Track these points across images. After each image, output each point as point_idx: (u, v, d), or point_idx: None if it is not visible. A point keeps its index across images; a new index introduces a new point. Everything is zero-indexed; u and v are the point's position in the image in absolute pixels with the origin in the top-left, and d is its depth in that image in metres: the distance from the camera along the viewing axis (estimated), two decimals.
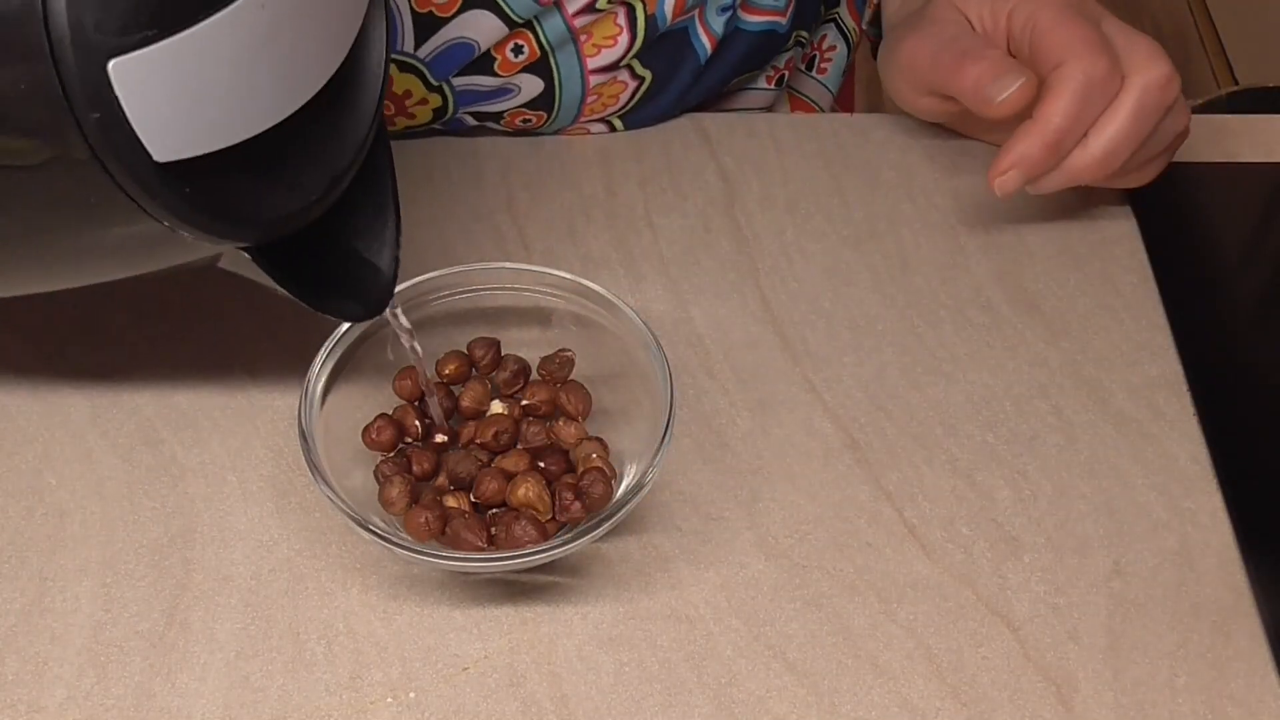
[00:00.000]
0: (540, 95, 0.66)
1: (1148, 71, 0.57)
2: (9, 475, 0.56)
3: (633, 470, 0.52)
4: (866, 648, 0.51)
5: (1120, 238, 0.65)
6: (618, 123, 0.69)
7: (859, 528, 0.54)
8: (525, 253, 0.63)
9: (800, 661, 0.51)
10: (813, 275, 0.63)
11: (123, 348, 0.60)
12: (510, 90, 0.66)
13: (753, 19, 0.69)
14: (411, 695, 0.50)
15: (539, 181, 0.67)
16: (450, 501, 0.51)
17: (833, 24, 0.78)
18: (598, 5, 0.64)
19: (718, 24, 0.68)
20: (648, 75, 0.68)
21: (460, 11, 0.62)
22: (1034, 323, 0.61)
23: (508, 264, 0.57)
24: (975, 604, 0.52)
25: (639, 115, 0.69)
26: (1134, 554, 0.53)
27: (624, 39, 0.65)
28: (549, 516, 0.50)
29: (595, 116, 0.69)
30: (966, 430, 0.57)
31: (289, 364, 0.59)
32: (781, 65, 0.75)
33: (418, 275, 0.56)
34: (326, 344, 0.53)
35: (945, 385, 0.59)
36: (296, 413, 0.51)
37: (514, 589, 0.52)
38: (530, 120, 0.67)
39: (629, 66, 0.67)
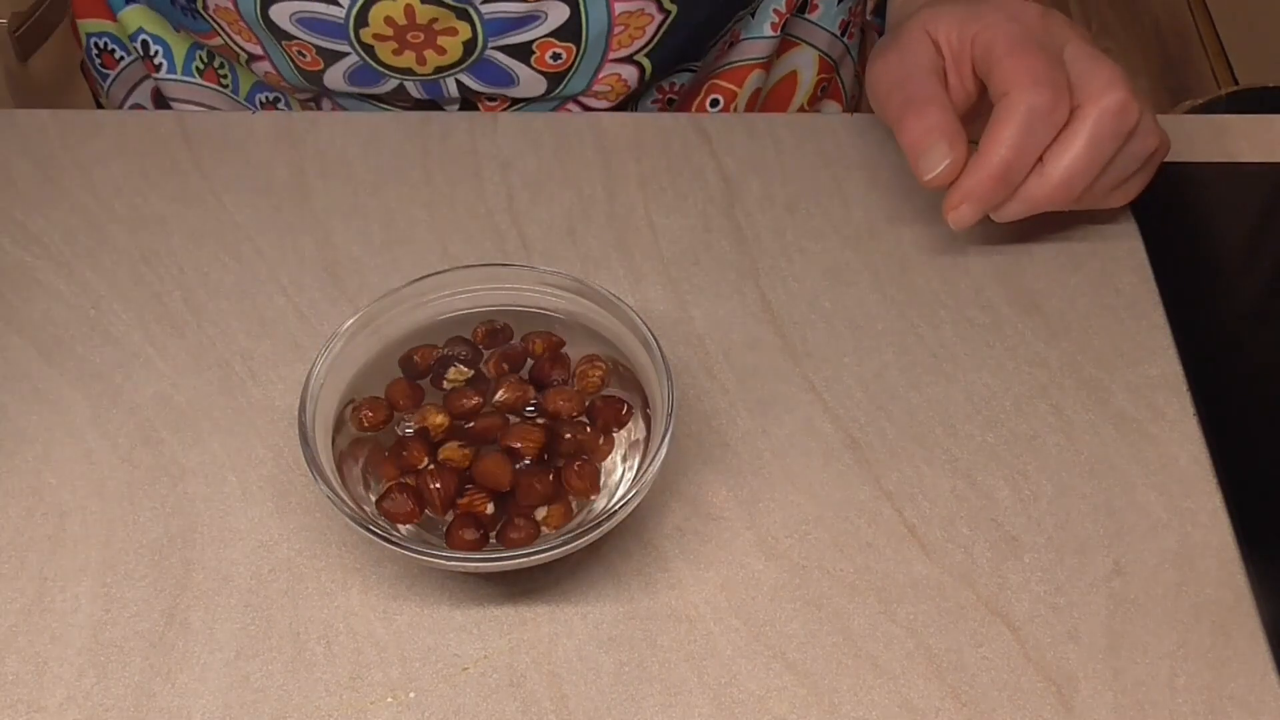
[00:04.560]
0: (566, 24, 0.67)
1: (1103, 98, 0.57)
2: (9, 475, 0.56)
3: (632, 470, 0.52)
4: (866, 648, 0.51)
5: (1120, 238, 0.65)
6: (646, 63, 0.70)
7: (859, 528, 0.54)
8: (525, 253, 0.64)
9: (800, 661, 0.51)
10: (813, 275, 0.63)
11: (123, 348, 0.60)
12: (537, 17, 0.66)
13: None
14: (411, 695, 0.50)
15: (539, 181, 0.67)
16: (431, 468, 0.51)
17: None
18: None
19: None
20: (674, 9, 0.69)
21: None
22: (1034, 323, 0.61)
23: (508, 264, 0.58)
24: (975, 604, 0.52)
25: (664, 54, 0.70)
26: (1134, 554, 0.53)
27: None
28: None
29: (623, 53, 0.69)
30: (966, 430, 0.57)
31: (289, 364, 0.59)
32: (783, 9, 0.76)
33: (418, 275, 0.56)
34: (327, 344, 0.53)
35: (945, 385, 0.59)
36: (296, 413, 0.51)
37: (514, 589, 0.52)
38: (560, 56, 0.68)
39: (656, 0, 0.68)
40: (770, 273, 0.63)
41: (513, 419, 0.53)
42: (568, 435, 0.52)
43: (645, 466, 0.51)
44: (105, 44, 0.77)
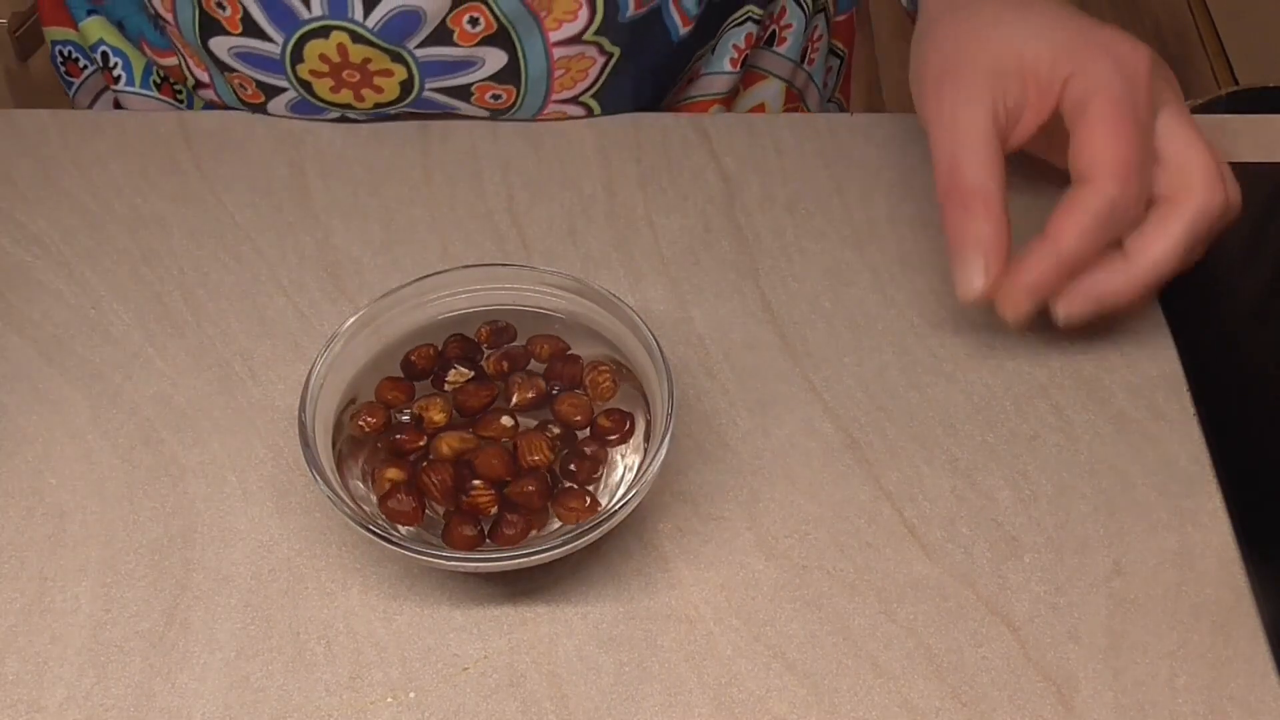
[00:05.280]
0: (505, 68, 0.66)
1: (1203, 197, 0.53)
2: (9, 475, 0.56)
3: (632, 470, 0.52)
4: (866, 648, 0.51)
5: None
6: (594, 104, 0.69)
7: (859, 528, 0.54)
8: (525, 253, 0.63)
9: (800, 661, 0.51)
10: (813, 275, 0.63)
11: (123, 348, 0.60)
12: (474, 63, 0.66)
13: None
14: (411, 695, 0.50)
15: (539, 181, 0.67)
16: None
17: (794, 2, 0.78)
18: None
19: (691, 4, 0.68)
20: (616, 51, 0.68)
21: None
22: (1034, 322, 0.61)
23: (508, 264, 0.58)
24: (975, 604, 0.52)
25: (612, 95, 0.69)
26: (1134, 554, 0.53)
27: (584, 14, 0.65)
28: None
29: (566, 95, 0.68)
30: (966, 430, 0.57)
31: (289, 364, 0.59)
32: (742, 44, 0.75)
33: (418, 275, 0.56)
34: (327, 344, 0.53)
35: (945, 385, 0.59)
36: (296, 413, 0.51)
37: (514, 589, 0.52)
38: (500, 96, 0.67)
39: (595, 43, 0.67)
40: (770, 273, 0.63)
41: (522, 420, 0.53)
42: (573, 466, 0.52)
43: (645, 466, 0.51)
44: (69, 52, 0.77)
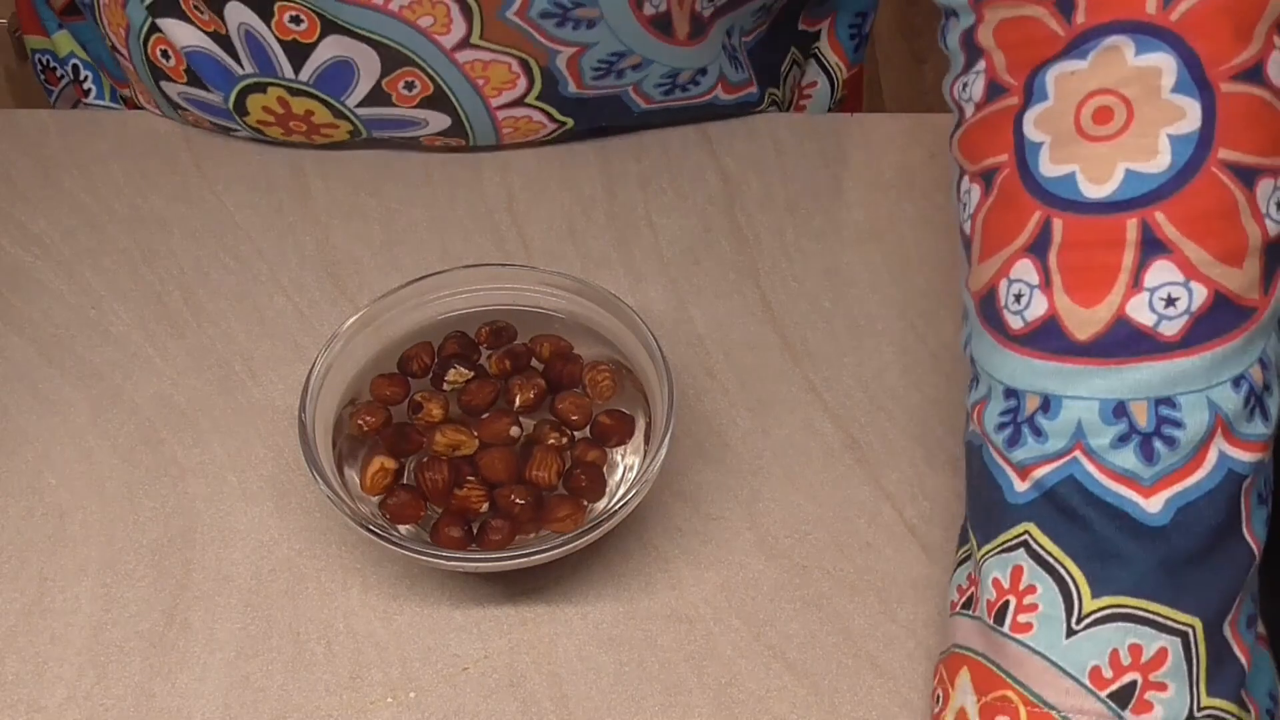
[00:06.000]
0: (450, 127, 0.65)
1: None
2: (9, 475, 0.56)
3: (633, 470, 0.52)
4: (866, 648, 0.51)
5: None
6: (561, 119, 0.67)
7: (859, 528, 0.54)
8: (525, 253, 0.63)
9: (800, 661, 0.51)
10: (813, 275, 0.63)
11: (123, 348, 0.60)
12: (417, 123, 0.65)
13: (728, 96, 0.68)
14: (411, 695, 0.50)
15: (539, 181, 0.67)
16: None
17: (813, 60, 0.75)
18: (473, 41, 0.61)
19: (655, 92, 0.66)
20: (569, 122, 0.66)
21: (321, 38, 0.61)
22: None
23: (508, 264, 0.58)
24: None
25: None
26: None
27: (522, 83, 0.63)
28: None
29: (521, 140, 0.67)
30: None
31: (289, 364, 0.59)
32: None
33: (418, 275, 0.56)
34: (327, 344, 0.53)
35: (945, 385, 0.59)
36: (296, 413, 0.51)
37: (514, 589, 0.52)
38: (451, 143, 0.66)
39: (541, 109, 0.65)
40: (770, 273, 0.63)
41: (525, 420, 0.53)
42: (582, 478, 0.52)
43: (645, 466, 0.51)
44: (48, 60, 0.77)
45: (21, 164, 0.67)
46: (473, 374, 0.54)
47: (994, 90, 0.47)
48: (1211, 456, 0.43)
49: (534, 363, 0.55)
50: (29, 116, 0.70)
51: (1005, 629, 0.44)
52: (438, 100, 0.63)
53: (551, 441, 0.52)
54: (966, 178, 0.48)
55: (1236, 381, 0.43)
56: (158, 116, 0.70)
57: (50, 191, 0.66)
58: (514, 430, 0.52)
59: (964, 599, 0.47)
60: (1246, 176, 0.43)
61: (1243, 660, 0.44)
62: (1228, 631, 0.44)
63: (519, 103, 0.64)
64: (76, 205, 0.65)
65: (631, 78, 0.64)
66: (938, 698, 0.47)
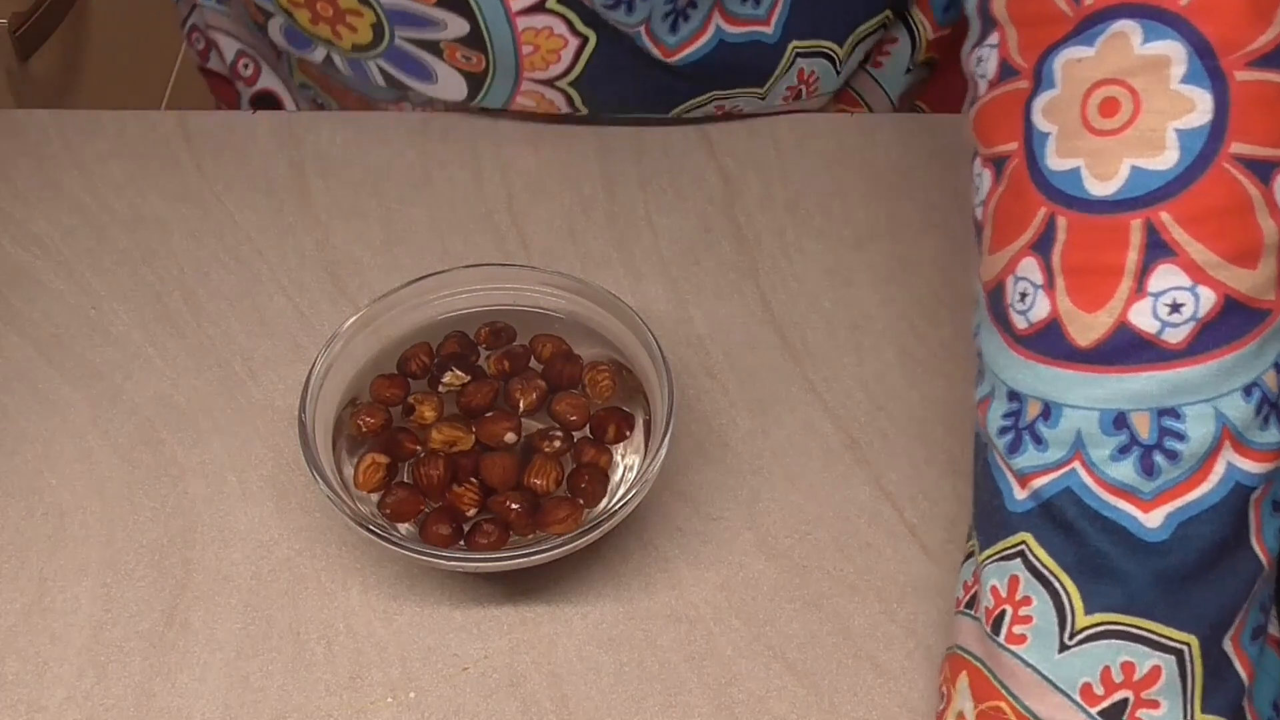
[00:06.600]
0: (469, 34, 0.63)
1: None
2: (9, 475, 0.56)
3: (632, 470, 0.52)
4: (866, 648, 0.51)
5: None
6: (573, 94, 0.66)
7: (859, 528, 0.54)
8: (525, 253, 0.63)
9: (800, 661, 0.51)
10: (813, 275, 0.63)
11: (123, 348, 0.60)
12: (436, 23, 0.63)
13: (734, 29, 0.65)
14: (411, 695, 0.50)
15: (539, 181, 0.67)
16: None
17: (900, 20, 0.71)
18: None
19: (665, 33, 0.64)
20: (591, 35, 0.64)
21: None
22: None
23: (508, 264, 0.58)
24: None
25: (598, 91, 0.66)
26: None
27: None
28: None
29: (540, 75, 0.65)
30: (966, 430, 0.57)
31: (289, 364, 0.59)
32: (796, 82, 0.68)
33: (418, 275, 0.56)
34: (327, 344, 0.53)
35: (945, 385, 0.59)
36: (296, 413, 0.51)
37: (514, 589, 0.52)
38: (470, 59, 0.64)
39: (562, 16, 0.62)
40: (770, 273, 0.63)
41: (526, 421, 0.53)
42: (584, 481, 0.52)
43: (645, 466, 0.51)
44: None
45: (21, 164, 0.67)
46: (470, 376, 0.54)
47: (1006, 71, 0.46)
48: (1218, 469, 0.42)
49: (533, 363, 0.55)
50: (29, 116, 0.70)
51: (1001, 639, 0.44)
52: (457, 2, 0.62)
53: (548, 449, 0.52)
54: (979, 160, 0.47)
55: (1247, 390, 0.42)
56: (158, 116, 0.70)
57: (50, 191, 0.66)
58: (509, 437, 0.52)
59: (968, 596, 0.47)
60: (1262, 170, 0.41)
61: (1243, 674, 0.43)
62: (1228, 645, 0.43)
63: (539, 7, 0.62)
64: (76, 205, 0.65)
65: (641, 11, 0.62)
66: (942, 694, 0.47)
